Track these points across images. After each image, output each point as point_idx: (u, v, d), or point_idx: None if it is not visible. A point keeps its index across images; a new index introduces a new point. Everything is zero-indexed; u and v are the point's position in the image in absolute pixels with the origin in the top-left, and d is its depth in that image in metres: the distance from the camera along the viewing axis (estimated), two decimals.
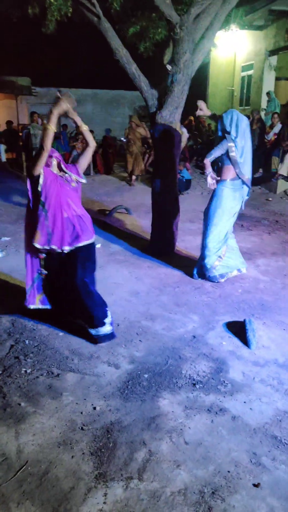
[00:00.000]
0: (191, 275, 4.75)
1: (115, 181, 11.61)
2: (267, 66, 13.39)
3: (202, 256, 4.59)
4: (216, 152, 4.40)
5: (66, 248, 3.25)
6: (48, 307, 3.55)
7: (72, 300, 3.34)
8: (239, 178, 4.43)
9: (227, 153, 4.36)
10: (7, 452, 2.30)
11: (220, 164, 4.52)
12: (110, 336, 3.38)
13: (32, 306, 3.51)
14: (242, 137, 4.33)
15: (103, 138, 13.68)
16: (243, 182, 4.48)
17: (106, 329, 3.34)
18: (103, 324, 3.31)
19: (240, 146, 4.33)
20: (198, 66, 5.18)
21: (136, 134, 10.85)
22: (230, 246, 4.73)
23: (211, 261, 4.55)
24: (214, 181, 4.49)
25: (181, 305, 4.09)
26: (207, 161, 4.44)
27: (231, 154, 4.33)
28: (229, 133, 4.31)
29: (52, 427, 2.49)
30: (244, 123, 4.35)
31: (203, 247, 4.58)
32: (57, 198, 3.22)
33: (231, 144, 4.31)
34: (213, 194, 4.55)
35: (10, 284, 4.46)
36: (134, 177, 10.90)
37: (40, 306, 3.53)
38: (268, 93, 12.14)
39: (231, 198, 4.48)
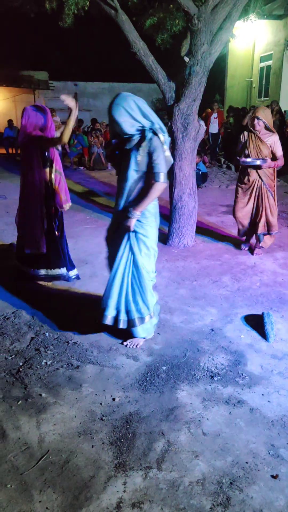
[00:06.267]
0: (209, 268, 4.74)
1: None
2: (287, 56, 13.15)
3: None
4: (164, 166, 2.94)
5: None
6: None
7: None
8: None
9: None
10: (29, 441, 2.36)
11: (139, 185, 3.02)
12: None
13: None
14: (160, 123, 2.97)
15: None
16: None
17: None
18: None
19: (166, 136, 2.99)
20: (216, 57, 5.13)
21: None
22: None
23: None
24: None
25: (199, 298, 4.10)
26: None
27: (165, 154, 2.95)
28: (151, 122, 2.90)
29: (72, 417, 2.54)
30: (145, 103, 2.92)
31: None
32: None
33: (163, 138, 2.93)
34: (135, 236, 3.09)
35: None
36: None
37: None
38: None
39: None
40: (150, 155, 2.90)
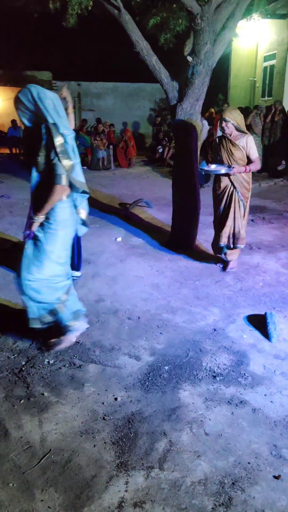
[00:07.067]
0: (211, 268, 4.73)
1: (135, 174, 11.62)
2: None
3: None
4: (61, 169, 2.76)
5: None
6: None
7: None
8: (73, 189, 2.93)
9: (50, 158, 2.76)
10: (31, 440, 2.36)
11: (41, 183, 2.85)
12: None
13: None
14: (60, 122, 2.76)
15: (124, 131, 13.67)
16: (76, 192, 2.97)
17: None
18: None
19: (70, 137, 2.83)
20: (219, 57, 5.12)
21: None
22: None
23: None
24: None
25: (201, 298, 4.10)
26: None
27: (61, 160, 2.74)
28: (46, 119, 2.72)
29: (74, 417, 2.54)
30: (49, 99, 2.75)
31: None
32: None
33: (60, 139, 2.72)
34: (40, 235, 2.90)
35: None
36: None
37: None
38: None
39: (73, 222, 3.04)
40: (47, 155, 2.75)
